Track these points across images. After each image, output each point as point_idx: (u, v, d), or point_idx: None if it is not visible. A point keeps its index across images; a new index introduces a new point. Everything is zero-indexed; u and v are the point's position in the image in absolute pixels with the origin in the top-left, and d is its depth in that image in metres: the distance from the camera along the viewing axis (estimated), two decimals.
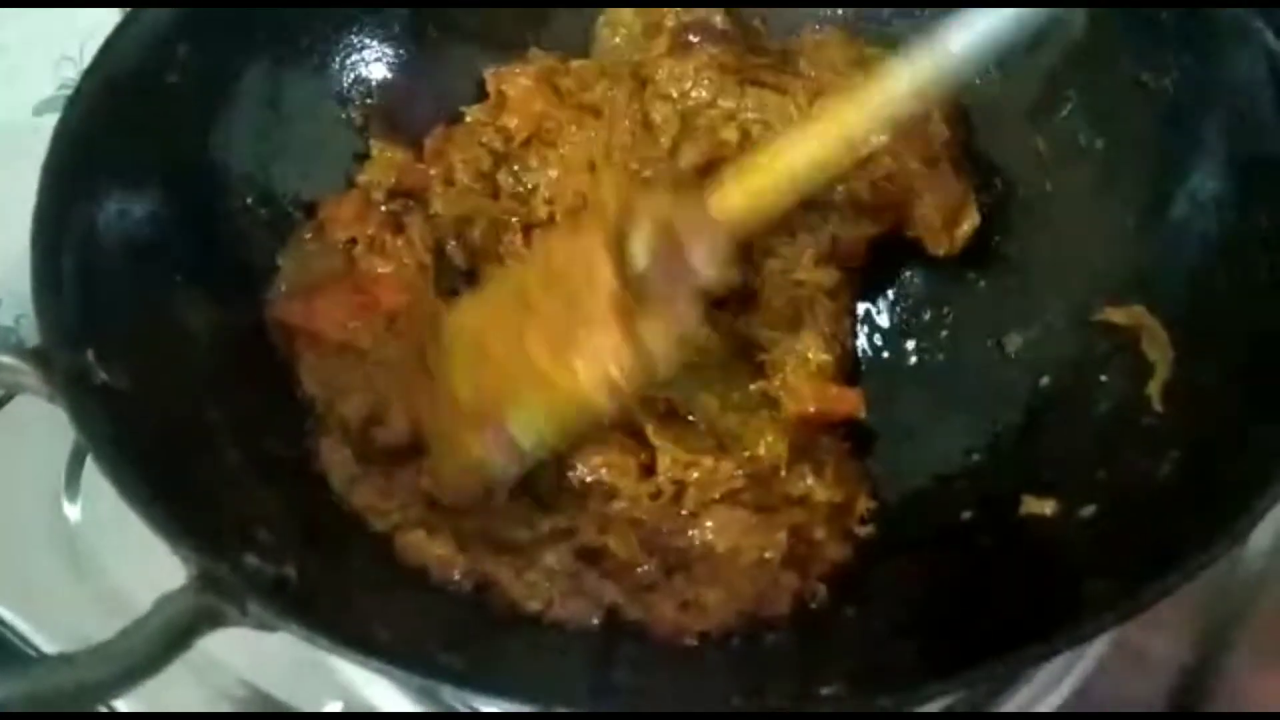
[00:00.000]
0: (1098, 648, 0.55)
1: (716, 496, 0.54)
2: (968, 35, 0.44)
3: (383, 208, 0.60)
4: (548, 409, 0.50)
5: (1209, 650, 0.57)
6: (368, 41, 0.63)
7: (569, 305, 0.49)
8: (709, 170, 0.55)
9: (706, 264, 0.49)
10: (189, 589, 0.40)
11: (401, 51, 0.64)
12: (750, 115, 0.60)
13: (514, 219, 0.61)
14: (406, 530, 0.51)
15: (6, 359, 0.44)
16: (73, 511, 0.62)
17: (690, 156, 0.60)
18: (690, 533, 0.53)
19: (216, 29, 0.56)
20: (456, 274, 0.60)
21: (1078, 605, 0.42)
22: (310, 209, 0.60)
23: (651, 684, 0.48)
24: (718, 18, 0.62)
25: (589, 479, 0.54)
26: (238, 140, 0.58)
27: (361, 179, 0.61)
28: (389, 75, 0.64)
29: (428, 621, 0.47)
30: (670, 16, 0.63)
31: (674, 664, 0.48)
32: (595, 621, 0.49)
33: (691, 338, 0.50)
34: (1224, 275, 0.52)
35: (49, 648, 0.56)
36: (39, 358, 0.44)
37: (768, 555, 0.52)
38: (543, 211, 0.61)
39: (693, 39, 0.61)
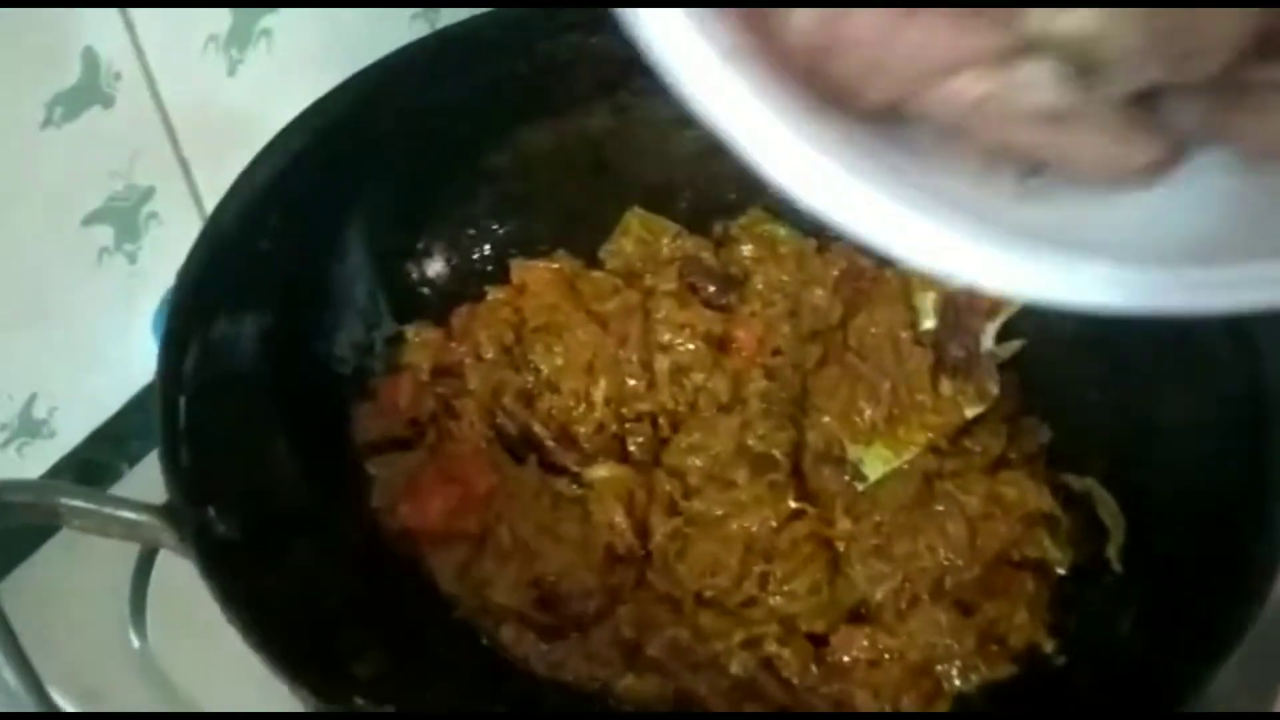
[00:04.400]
0: None
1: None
2: None
3: (435, 390, 0.66)
4: None
5: None
6: None
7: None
8: None
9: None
10: None
11: None
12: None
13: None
14: (615, 681, 0.57)
15: (145, 519, 0.49)
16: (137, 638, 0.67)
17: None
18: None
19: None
20: (513, 442, 0.66)
21: None
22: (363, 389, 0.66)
23: None
24: (705, 253, 0.71)
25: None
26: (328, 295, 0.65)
27: (406, 360, 0.67)
28: None
29: None
30: (665, 246, 0.71)
31: None
32: None
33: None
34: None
35: None
36: (170, 514, 0.50)
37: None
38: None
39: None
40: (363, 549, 0.59)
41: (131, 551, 0.66)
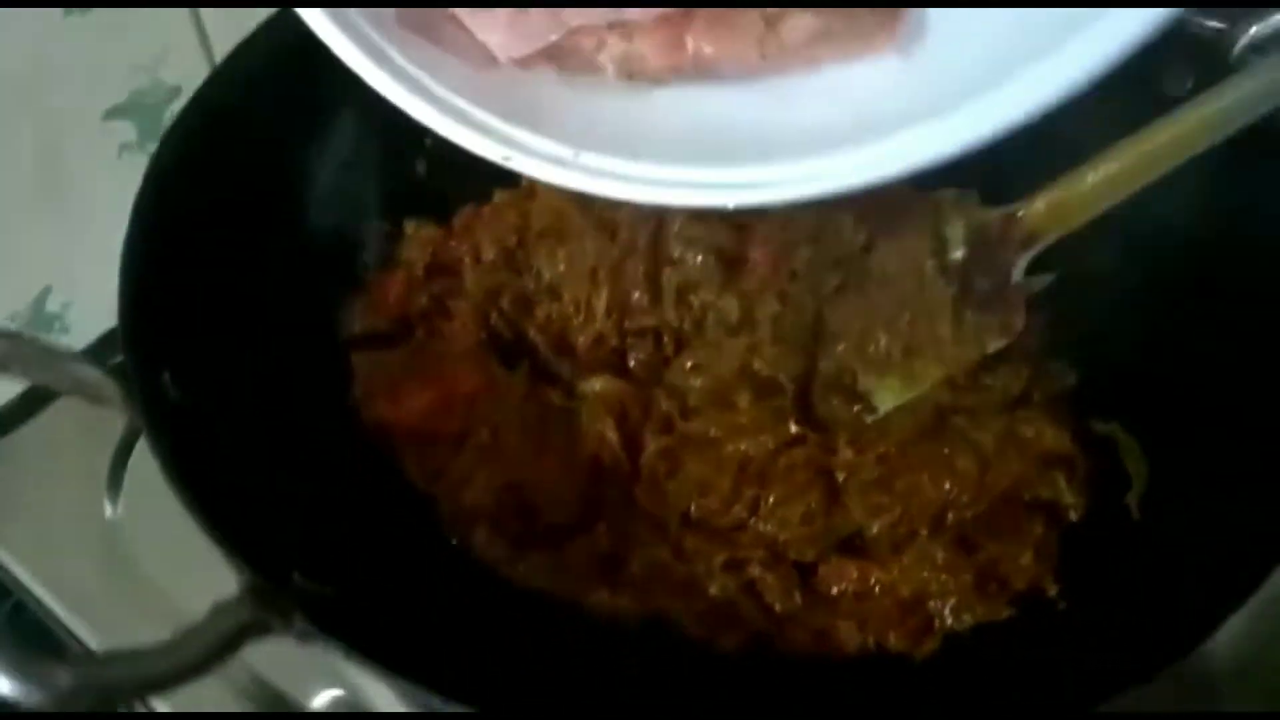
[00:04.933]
0: None
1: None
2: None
3: (430, 288, 0.64)
4: None
5: None
6: None
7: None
8: None
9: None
10: (242, 601, 0.44)
11: None
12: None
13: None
14: (589, 594, 0.55)
15: (95, 373, 0.48)
16: (111, 511, 0.66)
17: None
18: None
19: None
20: (506, 346, 0.63)
21: None
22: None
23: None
24: None
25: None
26: (316, 182, 0.63)
27: (403, 255, 0.65)
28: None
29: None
30: None
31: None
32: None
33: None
34: None
35: (91, 642, 0.60)
36: (119, 374, 0.48)
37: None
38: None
39: None
40: (334, 440, 0.57)
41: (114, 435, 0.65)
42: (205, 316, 0.53)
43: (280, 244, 0.60)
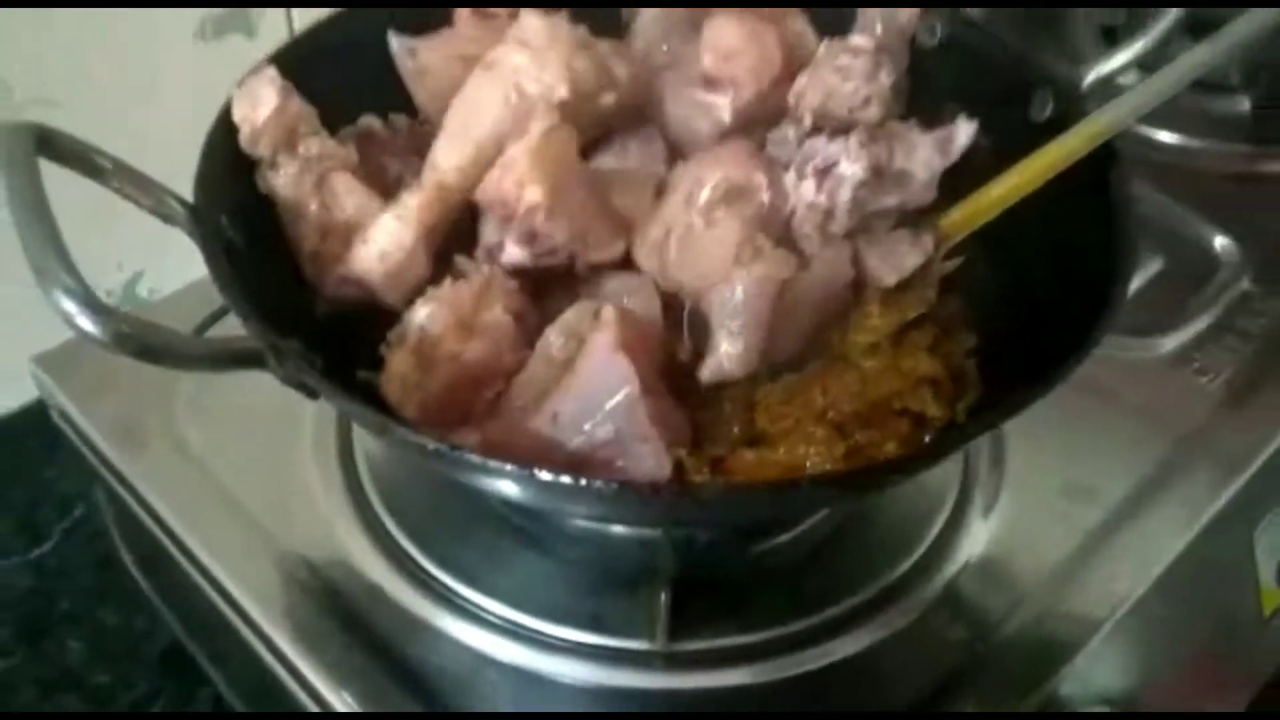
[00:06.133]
0: None
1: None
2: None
3: None
4: None
5: None
6: None
7: None
8: None
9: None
10: (248, 339, 0.57)
11: None
12: None
13: None
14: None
15: (172, 202, 0.64)
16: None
17: None
18: None
19: None
20: None
21: None
22: None
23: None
24: None
25: None
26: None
27: None
28: None
29: None
30: None
31: None
32: None
33: None
34: None
35: None
36: (192, 209, 0.64)
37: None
38: None
39: None
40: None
41: None
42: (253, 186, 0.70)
43: None
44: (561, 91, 0.69)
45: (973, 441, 0.77)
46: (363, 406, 0.57)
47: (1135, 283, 0.93)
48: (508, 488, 0.59)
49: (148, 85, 0.94)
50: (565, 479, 0.53)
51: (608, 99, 0.72)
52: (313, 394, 0.58)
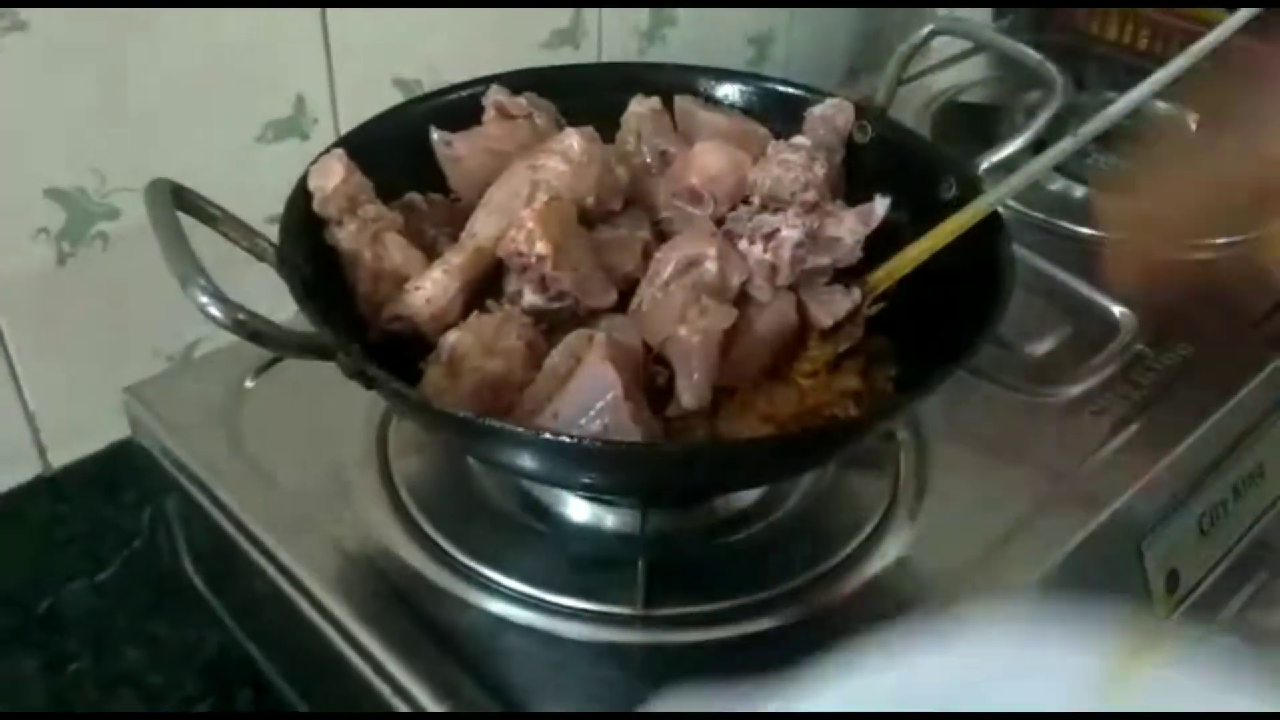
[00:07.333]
0: None
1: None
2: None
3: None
4: None
5: None
6: None
7: None
8: None
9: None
10: (320, 338, 0.75)
11: None
12: None
13: None
14: None
15: (265, 244, 0.83)
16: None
17: None
18: None
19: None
20: None
21: None
22: None
23: None
24: None
25: None
26: None
27: None
28: None
29: None
30: None
31: None
32: None
33: None
34: None
35: None
36: (278, 249, 0.83)
37: None
38: None
39: None
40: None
41: None
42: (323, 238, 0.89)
43: None
44: (589, 201, 0.90)
45: (891, 418, 0.93)
46: (408, 387, 0.75)
47: (1048, 345, 1.13)
48: (519, 452, 0.76)
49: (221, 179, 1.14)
50: (564, 438, 0.70)
51: (616, 204, 0.94)
52: (370, 383, 0.76)
